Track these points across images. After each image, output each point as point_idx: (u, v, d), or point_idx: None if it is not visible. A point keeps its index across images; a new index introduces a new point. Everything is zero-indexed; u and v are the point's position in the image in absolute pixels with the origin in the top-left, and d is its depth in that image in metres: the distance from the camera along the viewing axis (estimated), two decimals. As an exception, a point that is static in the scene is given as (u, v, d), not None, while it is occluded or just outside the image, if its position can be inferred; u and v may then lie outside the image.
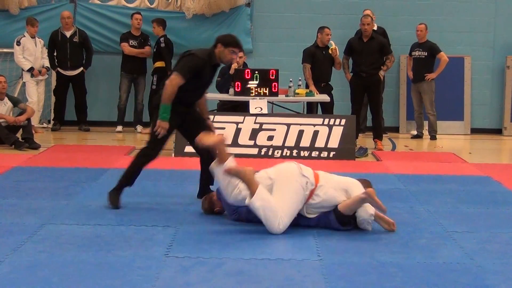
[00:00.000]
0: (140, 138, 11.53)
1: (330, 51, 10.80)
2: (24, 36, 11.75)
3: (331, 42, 10.87)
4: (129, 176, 6.35)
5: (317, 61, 10.84)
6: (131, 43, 12.00)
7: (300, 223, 5.60)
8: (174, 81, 6.10)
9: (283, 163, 5.77)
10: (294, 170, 5.56)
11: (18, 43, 11.70)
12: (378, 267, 4.71)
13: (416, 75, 11.88)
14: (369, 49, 10.53)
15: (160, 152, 6.35)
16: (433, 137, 11.83)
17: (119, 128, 12.11)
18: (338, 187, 5.59)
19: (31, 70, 11.72)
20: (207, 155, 6.10)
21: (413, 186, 7.54)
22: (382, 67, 10.62)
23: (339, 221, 5.54)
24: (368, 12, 11.59)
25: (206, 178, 6.49)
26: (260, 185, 5.46)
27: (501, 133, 12.74)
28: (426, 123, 12.04)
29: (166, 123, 6.15)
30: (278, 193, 5.47)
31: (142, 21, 12.04)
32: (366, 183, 5.78)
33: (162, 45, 11.74)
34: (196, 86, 6.28)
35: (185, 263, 4.71)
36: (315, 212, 5.60)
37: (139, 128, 12.08)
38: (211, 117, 9.53)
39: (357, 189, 5.57)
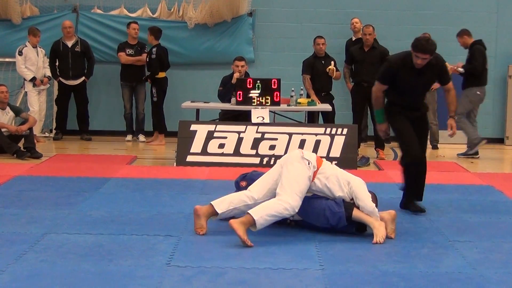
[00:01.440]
0: (142, 147, 11.54)
1: (327, 70, 10.76)
2: (26, 46, 11.77)
3: (332, 62, 10.80)
4: (412, 190, 6.70)
5: (317, 72, 10.84)
6: (128, 52, 12.00)
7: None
8: (374, 87, 6.74)
9: (289, 152, 6.02)
10: (296, 154, 5.78)
11: (20, 53, 11.72)
12: (380, 277, 4.70)
13: (418, 85, 11.87)
14: (371, 59, 10.51)
15: (415, 148, 6.53)
16: (434, 147, 11.81)
17: (129, 137, 12.12)
18: (342, 177, 5.77)
19: (33, 80, 11.73)
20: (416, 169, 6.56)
21: (415, 195, 7.52)
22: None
23: (346, 215, 5.63)
24: (356, 20, 11.93)
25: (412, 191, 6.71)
26: (248, 212, 5.50)
27: (503, 142, 12.74)
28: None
29: (382, 125, 6.80)
30: (285, 175, 5.63)
31: (140, 30, 12.01)
32: (372, 197, 5.89)
33: (153, 56, 11.58)
34: (401, 89, 6.59)
35: (187, 272, 4.70)
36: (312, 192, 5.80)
37: (141, 137, 12.08)
38: (213, 126, 9.66)
39: (360, 187, 5.73)
